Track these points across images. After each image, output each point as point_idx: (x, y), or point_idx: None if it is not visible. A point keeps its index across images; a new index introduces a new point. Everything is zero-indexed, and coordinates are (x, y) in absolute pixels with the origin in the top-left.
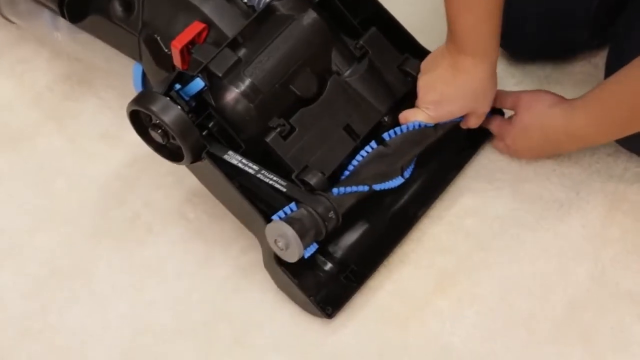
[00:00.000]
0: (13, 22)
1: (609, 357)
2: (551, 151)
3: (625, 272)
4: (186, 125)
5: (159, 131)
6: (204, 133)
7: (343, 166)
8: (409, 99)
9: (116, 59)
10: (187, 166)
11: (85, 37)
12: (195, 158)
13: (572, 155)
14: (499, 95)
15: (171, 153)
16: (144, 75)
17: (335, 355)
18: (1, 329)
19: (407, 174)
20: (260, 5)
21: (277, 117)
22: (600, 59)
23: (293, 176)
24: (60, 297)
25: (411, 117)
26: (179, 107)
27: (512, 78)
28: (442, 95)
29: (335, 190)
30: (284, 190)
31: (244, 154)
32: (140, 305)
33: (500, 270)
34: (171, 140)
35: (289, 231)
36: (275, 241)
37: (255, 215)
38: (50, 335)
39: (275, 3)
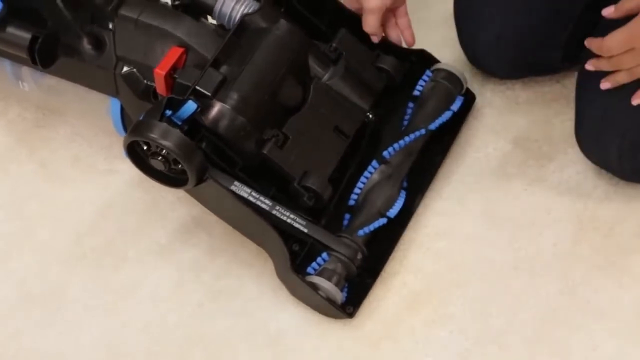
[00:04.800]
0: None
1: None
2: None
3: (596, 289)
4: (189, 147)
5: (160, 158)
6: None
7: (346, 184)
8: (387, 94)
9: (86, 97)
10: (188, 190)
11: (50, 82)
12: (200, 180)
13: (542, 175)
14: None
15: (173, 179)
16: (122, 109)
17: None
18: None
19: (405, 183)
20: (231, 23)
21: (270, 128)
22: (568, 79)
23: (295, 183)
24: (34, 320)
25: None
26: (178, 130)
27: (481, 98)
28: None
29: (360, 232)
30: (305, 230)
31: (242, 170)
32: (114, 329)
33: (471, 289)
34: (173, 166)
35: (327, 285)
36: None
37: (266, 228)
38: (25, 359)
39: (247, 18)
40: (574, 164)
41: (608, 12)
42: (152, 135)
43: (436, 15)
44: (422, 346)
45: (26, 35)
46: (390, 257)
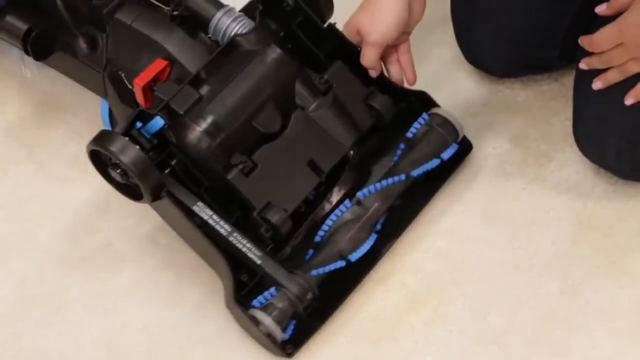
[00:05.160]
0: None
1: None
2: None
3: (596, 288)
4: (145, 166)
5: (118, 171)
6: (166, 171)
7: (316, 224)
8: (374, 133)
9: (85, 92)
10: (149, 203)
11: (52, 72)
12: (155, 197)
13: (541, 174)
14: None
15: (132, 191)
16: (110, 111)
17: None
18: None
19: (378, 226)
20: (225, 40)
21: (240, 154)
22: (566, 78)
23: (255, 214)
24: (34, 321)
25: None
26: (138, 147)
27: (479, 97)
28: None
29: (314, 272)
30: (258, 262)
31: (208, 191)
32: (114, 329)
33: (471, 289)
34: (131, 179)
35: (268, 321)
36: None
37: (216, 256)
38: (25, 359)
39: (239, 38)
40: (573, 163)
41: (601, 9)
42: (111, 149)
43: (434, 15)
44: (422, 346)
45: (22, 27)
46: (389, 258)
